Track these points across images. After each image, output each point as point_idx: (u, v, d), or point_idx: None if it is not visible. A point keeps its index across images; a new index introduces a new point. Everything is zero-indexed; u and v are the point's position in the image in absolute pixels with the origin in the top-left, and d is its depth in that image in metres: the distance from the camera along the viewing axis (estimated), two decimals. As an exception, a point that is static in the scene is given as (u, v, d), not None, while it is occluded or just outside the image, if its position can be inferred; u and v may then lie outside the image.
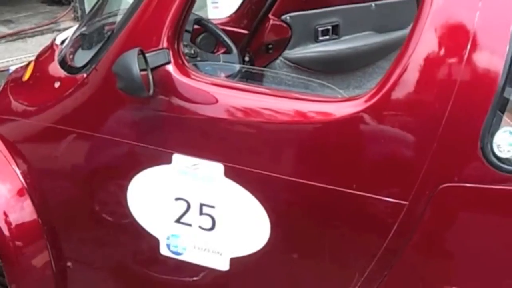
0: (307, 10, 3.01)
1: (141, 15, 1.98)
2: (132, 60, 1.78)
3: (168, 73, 1.94)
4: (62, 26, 6.96)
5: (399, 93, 1.73)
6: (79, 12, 6.98)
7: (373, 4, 3.09)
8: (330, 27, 3.08)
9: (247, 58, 3.01)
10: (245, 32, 2.86)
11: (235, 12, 2.89)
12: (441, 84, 1.68)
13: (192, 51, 2.46)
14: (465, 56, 1.65)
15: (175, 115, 1.95)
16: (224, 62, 2.54)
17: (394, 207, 1.76)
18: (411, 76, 1.71)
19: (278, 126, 1.85)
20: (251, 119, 1.88)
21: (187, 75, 1.95)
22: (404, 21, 3.14)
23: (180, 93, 1.94)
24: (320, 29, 3.06)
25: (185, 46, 2.44)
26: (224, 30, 2.81)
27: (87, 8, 6.83)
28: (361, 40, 3.14)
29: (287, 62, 3.06)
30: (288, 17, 2.99)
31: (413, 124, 1.72)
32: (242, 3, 2.84)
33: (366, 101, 1.77)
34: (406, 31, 3.25)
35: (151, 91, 1.86)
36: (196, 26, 2.63)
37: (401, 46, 1.77)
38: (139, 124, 2.01)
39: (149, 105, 1.95)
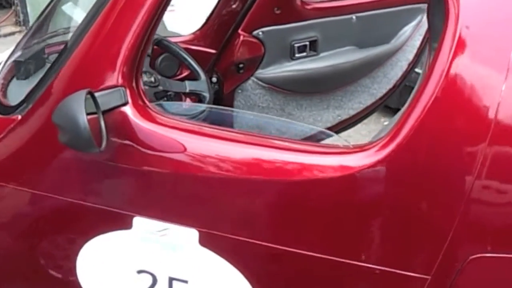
0: (282, 24, 2.65)
1: (90, 43, 1.58)
2: (78, 107, 1.39)
3: (125, 117, 1.55)
4: (3, 31, 6.45)
5: (419, 142, 1.38)
6: (21, 16, 6.45)
7: (353, 16, 2.75)
8: (307, 43, 2.73)
9: (214, 79, 2.64)
10: (213, 51, 2.49)
11: (200, 29, 2.51)
12: (472, 132, 1.35)
13: (152, 79, 2.08)
14: (499, 100, 1.32)
15: (135, 169, 1.57)
16: (190, 90, 2.16)
17: (412, 283, 1.42)
18: (433, 121, 1.37)
19: (265, 183, 1.49)
20: (231, 173, 1.51)
21: (149, 118, 1.57)
22: (388, 34, 2.83)
23: (140, 140, 1.56)
24: (296, 45, 2.71)
25: (144, 73, 2.06)
26: (188, 50, 2.43)
27: (30, 12, 6.33)
28: (342, 57, 2.79)
29: (260, 82, 2.70)
30: (260, 33, 2.63)
31: (437, 180, 1.38)
32: (208, 18, 2.47)
33: (378, 151, 1.41)
34: (390, 45, 3.03)
35: (103, 146, 1.47)
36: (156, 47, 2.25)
37: (417, 85, 1.43)
38: (90, 180, 1.62)
39: (103, 156, 1.56)
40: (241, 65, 2.64)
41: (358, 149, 1.45)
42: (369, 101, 2.96)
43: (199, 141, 1.55)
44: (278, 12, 2.62)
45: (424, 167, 1.38)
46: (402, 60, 2.89)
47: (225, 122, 1.69)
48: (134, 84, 1.59)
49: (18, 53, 2.00)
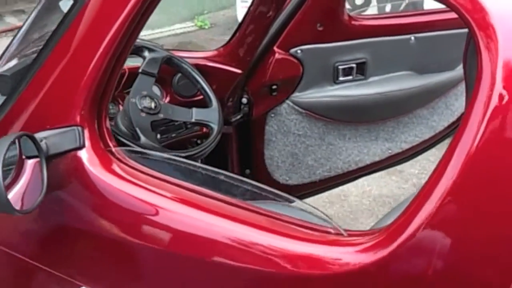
0: (325, 42, 2.30)
1: (47, 72, 1.31)
2: None
3: (78, 163, 1.27)
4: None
5: (437, 233, 1.01)
6: None
7: (412, 37, 2.35)
8: (354, 65, 2.36)
9: (244, 100, 2.32)
10: (238, 71, 2.17)
11: (225, 45, 2.19)
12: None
13: (153, 105, 1.78)
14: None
15: (84, 230, 1.28)
16: (197, 120, 1.85)
17: None
18: (459, 206, 0.99)
19: (232, 269, 1.16)
20: (195, 252, 1.19)
21: (108, 167, 1.28)
22: (453, 59, 2.41)
23: (93, 195, 1.27)
24: (341, 67, 2.34)
25: (144, 97, 1.77)
26: (209, 69, 2.12)
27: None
28: (395, 83, 2.40)
29: (297, 107, 2.36)
30: (299, 51, 2.28)
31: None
32: (235, 33, 2.14)
33: (378, 246, 1.05)
34: (455, 73, 2.59)
35: (37, 202, 1.19)
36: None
37: (442, 158, 1.05)
38: (36, 236, 1.35)
39: (49, 209, 1.28)
40: (274, 87, 2.31)
41: (353, 239, 1.09)
42: (426, 135, 2.55)
43: (166, 204, 1.24)
44: (321, 28, 2.26)
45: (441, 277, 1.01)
46: (468, 90, 2.46)
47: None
48: (96, 124, 1.30)
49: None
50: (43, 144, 1.24)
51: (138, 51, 1.88)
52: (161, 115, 1.79)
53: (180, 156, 1.70)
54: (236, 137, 2.38)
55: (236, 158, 2.43)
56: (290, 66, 2.29)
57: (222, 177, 1.30)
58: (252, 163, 2.46)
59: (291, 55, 2.28)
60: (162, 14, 6.50)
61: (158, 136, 1.91)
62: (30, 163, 1.24)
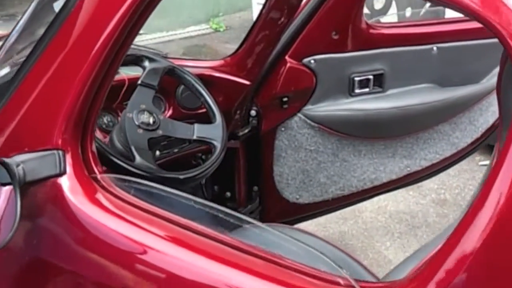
0: (340, 52, 2.14)
1: (28, 89, 1.17)
2: None
3: (58, 192, 1.12)
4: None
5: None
6: None
7: (434, 47, 2.18)
8: (371, 77, 2.20)
9: (253, 113, 2.16)
10: (246, 82, 2.02)
11: (234, 53, 2.04)
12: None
13: (151, 120, 1.63)
14: None
15: (63, 268, 1.13)
16: (198, 137, 1.69)
17: None
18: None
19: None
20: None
21: (91, 197, 1.13)
22: (478, 72, 2.24)
23: (72, 227, 1.12)
24: (357, 78, 2.18)
25: (142, 111, 1.63)
26: (215, 79, 1.97)
27: None
28: (415, 96, 2.24)
29: (309, 121, 2.20)
30: (312, 61, 2.13)
31: None
32: (244, 40, 1.99)
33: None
34: (480, 86, 2.42)
35: (9, 236, 1.04)
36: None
37: (476, 196, 0.89)
38: (11, 272, 1.20)
39: (24, 244, 1.14)
40: (285, 99, 2.15)
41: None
42: (448, 152, 2.38)
43: (155, 243, 1.09)
44: (336, 37, 2.10)
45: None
46: (494, 105, 2.28)
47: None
48: (79, 148, 1.16)
49: None
50: (19, 170, 1.09)
51: (137, 61, 1.73)
52: (159, 132, 1.64)
53: (179, 179, 1.55)
54: (244, 152, 2.23)
55: (243, 174, 2.28)
56: (302, 77, 2.14)
57: (216, 212, 1.15)
58: (260, 180, 2.31)
59: (304, 65, 2.13)
60: (176, 16, 6.37)
61: (158, 153, 1.76)
62: (4, 191, 1.10)
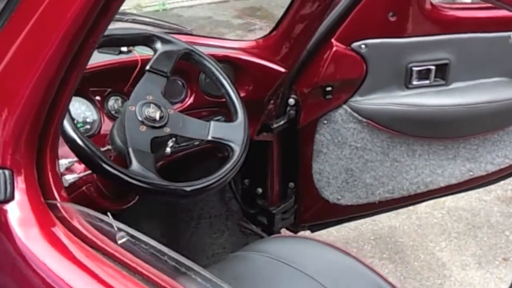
0: (397, 37, 1.81)
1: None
2: None
3: (2, 223, 0.89)
4: None
5: None
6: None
7: (512, 35, 1.83)
8: (432, 67, 1.86)
9: (291, 101, 1.88)
10: (281, 69, 1.72)
11: (268, 34, 1.74)
12: None
13: (158, 115, 1.36)
14: None
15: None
16: (214, 138, 1.41)
17: None
18: None
19: None
20: None
21: (48, 234, 0.89)
22: None
23: (22, 274, 0.89)
24: (415, 68, 1.86)
25: (148, 104, 1.36)
26: (244, 64, 1.69)
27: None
28: (485, 92, 1.90)
29: (356, 114, 1.90)
30: (363, 46, 1.81)
31: None
32: (281, 19, 1.68)
33: None
34: None
35: None
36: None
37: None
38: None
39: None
40: (329, 88, 1.85)
41: None
42: (519, 156, 2.04)
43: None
44: (393, 18, 1.77)
45: None
46: None
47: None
48: (34, 167, 0.92)
49: None
50: None
51: (147, 42, 1.46)
52: (167, 130, 1.36)
53: (183, 191, 1.29)
54: (279, 145, 1.96)
55: (278, 170, 2.01)
56: (350, 64, 1.83)
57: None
58: (297, 177, 2.03)
59: (353, 50, 1.81)
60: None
61: (168, 149, 1.51)
62: None
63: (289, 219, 2.10)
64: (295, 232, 2.23)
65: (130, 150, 1.28)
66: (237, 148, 1.39)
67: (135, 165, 1.26)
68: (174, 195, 1.27)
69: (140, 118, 1.32)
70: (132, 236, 0.93)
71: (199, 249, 2.10)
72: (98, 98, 1.59)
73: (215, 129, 1.40)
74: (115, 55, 1.61)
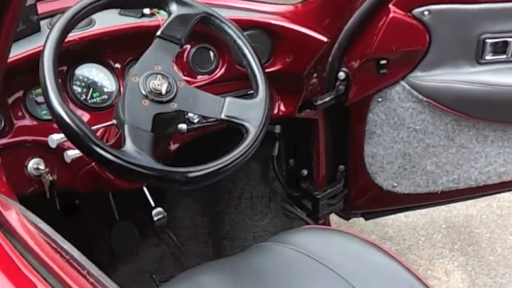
0: (468, 2, 1.53)
1: None
2: None
3: None
4: None
5: None
6: None
7: None
8: (511, 40, 1.56)
9: (341, 75, 1.65)
10: (323, 39, 1.49)
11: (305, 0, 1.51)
12: None
13: (165, 88, 1.17)
14: None
15: None
16: (227, 117, 1.21)
17: None
18: None
19: None
20: None
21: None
22: None
23: None
24: (489, 40, 1.57)
25: (154, 75, 1.18)
26: (280, 30, 1.48)
27: None
28: None
29: (415, 92, 1.64)
30: (426, 12, 1.54)
31: None
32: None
33: None
34: None
35: None
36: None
37: None
38: None
39: None
40: (383, 61, 1.60)
41: None
42: None
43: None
44: (464, -20, 1.50)
45: None
46: None
47: None
48: None
49: None
50: None
51: (161, 3, 1.28)
52: (173, 105, 1.18)
53: (184, 179, 1.11)
54: (325, 124, 1.75)
55: (325, 151, 1.80)
56: (411, 33, 1.57)
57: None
58: (347, 159, 1.82)
59: (414, 17, 1.55)
60: None
61: (184, 126, 1.35)
62: None
63: (338, 205, 1.89)
64: (347, 219, 2.02)
65: (126, 127, 1.12)
66: (252, 129, 1.20)
67: (128, 145, 1.09)
68: (171, 181, 1.10)
69: (143, 91, 1.15)
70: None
71: (240, 230, 1.95)
72: (117, 65, 1.45)
73: (229, 107, 1.21)
74: (136, 18, 1.45)
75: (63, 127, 1.05)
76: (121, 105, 1.17)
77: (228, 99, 1.22)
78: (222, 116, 1.20)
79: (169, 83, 1.18)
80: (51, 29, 1.11)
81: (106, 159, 1.04)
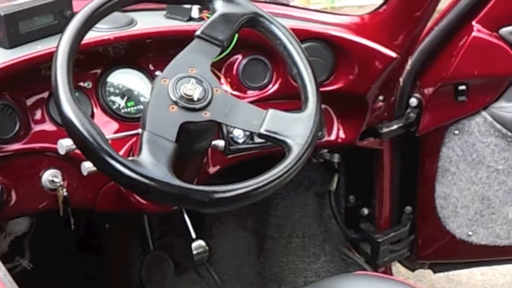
0: None
1: None
2: None
3: None
4: None
5: None
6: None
7: None
8: None
9: (413, 102, 1.45)
10: (392, 54, 1.30)
11: (377, 9, 1.30)
12: None
13: (197, 94, 1.00)
14: None
15: None
16: (268, 132, 1.03)
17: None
18: None
19: None
20: None
21: None
22: None
23: None
24: None
25: (188, 78, 1.01)
26: (344, 43, 1.30)
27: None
28: None
29: (499, 126, 1.43)
30: (517, 33, 1.33)
31: None
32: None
33: None
34: None
35: None
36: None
37: None
38: None
39: None
40: (462, 87, 1.40)
41: None
42: None
43: None
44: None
45: None
46: None
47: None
48: None
49: None
50: None
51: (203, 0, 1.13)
52: (206, 115, 1.00)
53: (209, 196, 0.93)
54: (391, 156, 1.54)
55: (390, 188, 1.58)
56: (496, 56, 1.37)
57: None
58: (415, 199, 1.59)
59: (502, 38, 1.35)
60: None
61: (221, 142, 1.18)
62: None
63: (402, 252, 1.65)
64: (412, 270, 1.78)
65: (145, 134, 0.95)
66: (295, 148, 1.00)
67: (144, 154, 0.92)
68: (190, 201, 0.92)
69: (172, 96, 0.99)
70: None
71: (289, 273, 1.74)
72: (158, 73, 1.29)
73: (271, 120, 1.02)
74: (183, 22, 1.31)
75: (67, 126, 0.90)
76: (145, 110, 1.01)
77: (270, 111, 1.03)
78: (262, 131, 1.02)
79: (204, 88, 1.01)
80: (72, 17, 0.97)
81: (112, 168, 0.87)
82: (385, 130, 1.45)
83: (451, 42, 1.36)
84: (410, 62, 1.39)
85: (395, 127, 1.45)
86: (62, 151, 0.98)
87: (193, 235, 1.16)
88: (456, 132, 1.47)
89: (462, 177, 1.50)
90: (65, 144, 0.98)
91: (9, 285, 0.59)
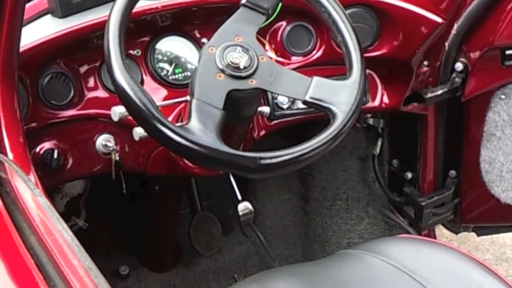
0: None
1: None
2: None
3: None
4: None
5: None
6: None
7: None
8: None
9: (459, 67, 1.44)
10: (437, 20, 1.29)
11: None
12: None
13: (244, 63, 1.03)
14: None
15: None
16: (312, 99, 1.05)
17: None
18: None
19: None
20: None
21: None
22: None
23: None
24: None
25: (234, 47, 1.04)
26: (388, 8, 1.30)
27: None
28: None
29: None
30: None
31: None
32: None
33: None
34: None
35: None
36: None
37: None
38: None
39: None
40: (509, 52, 1.38)
41: None
42: None
43: None
44: None
45: None
46: None
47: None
48: None
49: None
50: None
51: None
52: (252, 82, 1.04)
53: (257, 162, 0.97)
54: (436, 121, 1.54)
55: (434, 153, 1.59)
56: None
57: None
58: (460, 163, 1.59)
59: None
60: None
61: (267, 108, 1.21)
62: None
63: (445, 215, 1.66)
64: (456, 233, 1.79)
65: (194, 102, 0.99)
66: (340, 115, 1.02)
67: (193, 121, 0.96)
68: (238, 167, 0.96)
69: (219, 64, 1.02)
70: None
71: (332, 235, 1.77)
72: (205, 40, 1.33)
73: (316, 87, 1.04)
74: (230, -11, 1.32)
75: (120, 94, 0.94)
76: (193, 78, 1.05)
77: (315, 78, 1.05)
78: (307, 98, 1.04)
79: (250, 56, 1.03)
80: None
81: (163, 134, 0.91)
82: (429, 95, 1.45)
83: (499, 6, 1.34)
84: (456, 26, 1.38)
85: (440, 92, 1.45)
86: (115, 118, 1.03)
87: (239, 197, 1.19)
88: (503, 96, 1.45)
89: (508, 141, 1.50)
90: (118, 111, 1.02)
91: (70, 239, 0.65)
